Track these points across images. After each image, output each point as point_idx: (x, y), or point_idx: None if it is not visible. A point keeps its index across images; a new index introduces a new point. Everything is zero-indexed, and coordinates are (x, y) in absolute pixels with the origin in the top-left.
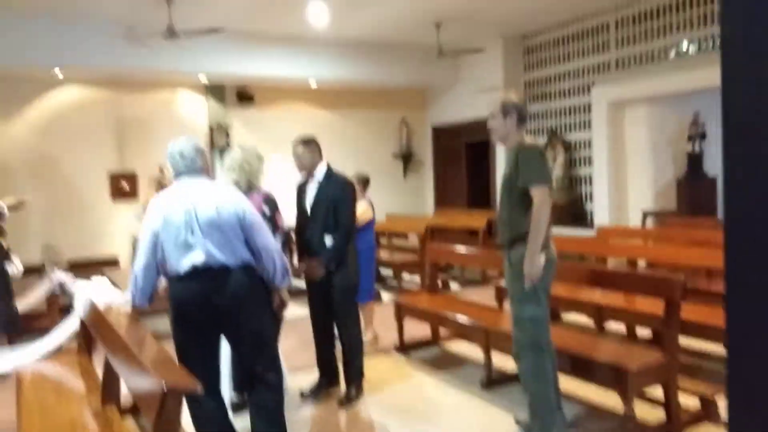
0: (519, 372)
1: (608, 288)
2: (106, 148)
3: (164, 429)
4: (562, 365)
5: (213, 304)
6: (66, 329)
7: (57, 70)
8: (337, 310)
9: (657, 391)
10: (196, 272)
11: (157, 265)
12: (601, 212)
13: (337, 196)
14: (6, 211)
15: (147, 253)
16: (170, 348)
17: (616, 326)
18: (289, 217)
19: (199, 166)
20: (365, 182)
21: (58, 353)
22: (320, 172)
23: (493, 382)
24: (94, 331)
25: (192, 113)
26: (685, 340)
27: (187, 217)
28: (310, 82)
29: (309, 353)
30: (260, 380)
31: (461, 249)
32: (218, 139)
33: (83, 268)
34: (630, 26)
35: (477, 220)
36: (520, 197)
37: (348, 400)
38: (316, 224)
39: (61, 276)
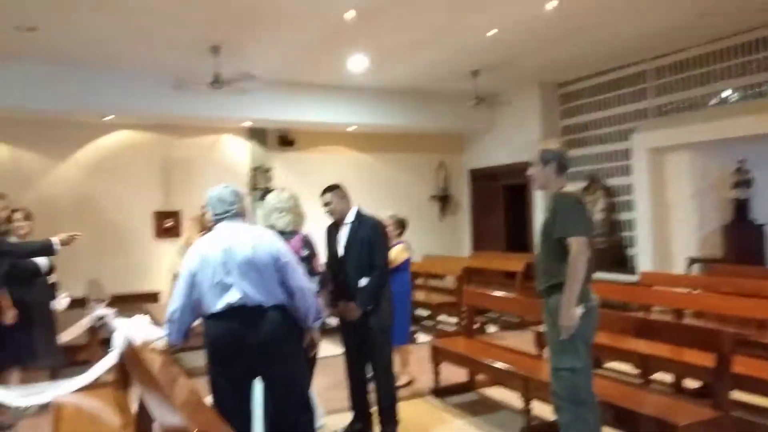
0: (559, 424)
1: (655, 339)
2: (152, 188)
3: None
4: (606, 417)
5: (247, 342)
6: (105, 364)
7: (108, 117)
8: (371, 352)
9: None
10: (231, 311)
11: (193, 304)
12: (644, 258)
13: (369, 237)
14: (59, 246)
15: (184, 292)
16: (204, 386)
17: (662, 376)
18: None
19: (237, 210)
20: (402, 224)
21: (96, 387)
22: (351, 215)
23: (532, 431)
24: (130, 367)
25: (235, 156)
26: (736, 394)
27: (224, 257)
28: (349, 127)
29: (344, 393)
30: (292, 423)
31: (498, 294)
32: (259, 181)
33: (124, 302)
34: (669, 74)
35: (514, 263)
36: (557, 245)
37: None
38: (352, 267)
39: (102, 310)
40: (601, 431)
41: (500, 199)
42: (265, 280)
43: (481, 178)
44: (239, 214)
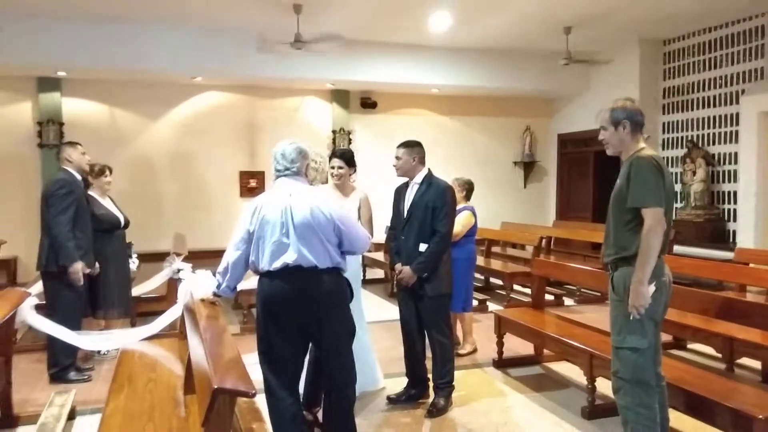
0: (618, 407)
1: (745, 322)
2: (239, 148)
3: (213, 426)
4: (676, 402)
5: (300, 302)
6: (170, 315)
7: (198, 78)
8: (427, 319)
9: None
10: (287, 271)
11: (246, 259)
12: (745, 233)
13: (435, 202)
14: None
15: (239, 247)
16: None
17: (749, 363)
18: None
19: (298, 168)
20: (469, 188)
21: (166, 336)
22: (420, 176)
23: (596, 411)
24: (186, 319)
25: (317, 118)
26: None
27: (283, 217)
28: (432, 88)
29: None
30: (334, 384)
31: (572, 265)
32: (340, 143)
33: (206, 257)
34: None
35: (600, 234)
36: (629, 215)
37: (436, 410)
38: (412, 230)
39: (180, 264)
40: (666, 416)
41: (590, 166)
42: (321, 242)
43: (571, 144)
44: (299, 173)
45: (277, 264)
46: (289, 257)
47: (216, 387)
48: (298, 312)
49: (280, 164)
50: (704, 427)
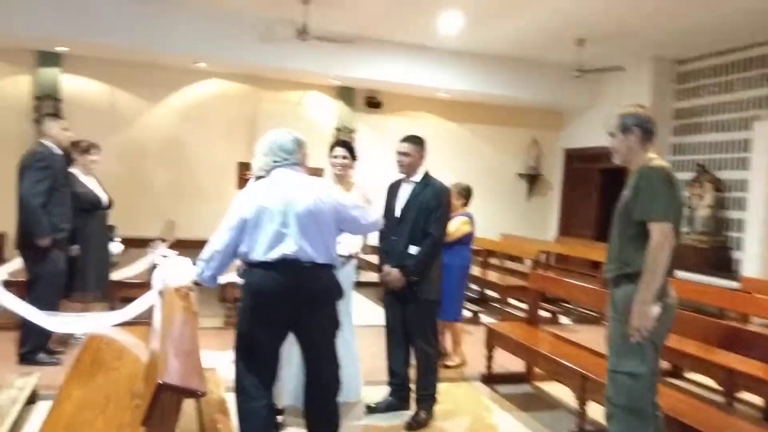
0: None
1: (747, 354)
2: (238, 138)
3: (154, 426)
4: None
5: (293, 295)
6: (144, 301)
7: (202, 63)
8: (413, 326)
9: None
10: (283, 263)
11: (236, 248)
12: (751, 264)
13: (431, 203)
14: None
15: (230, 234)
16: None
17: (749, 398)
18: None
19: (296, 159)
20: (468, 195)
21: (139, 323)
22: (419, 175)
23: None
24: (156, 307)
25: (321, 114)
26: None
27: (284, 207)
28: (439, 92)
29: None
30: (320, 382)
31: (570, 281)
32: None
33: (193, 247)
34: None
35: (601, 253)
36: (635, 229)
37: (416, 424)
38: (404, 230)
39: (164, 251)
40: None
41: (595, 183)
42: (322, 236)
43: (577, 160)
44: (298, 164)
45: (274, 255)
46: (287, 248)
47: (161, 382)
48: (289, 305)
49: (278, 155)
50: None
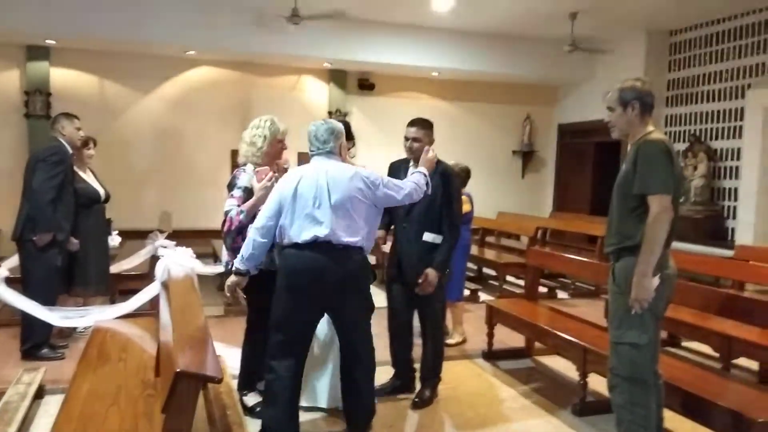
0: (612, 405)
1: (743, 319)
2: (231, 126)
3: (174, 413)
4: (671, 401)
5: (325, 278)
6: (147, 293)
7: (192, 51)
8: (424, 307)
9: None
10: (316, 244)
11: (274, 232)
12: (744, 231)
13: (446, 188)
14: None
15: (270, 216)
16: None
17: (746, 363)
18: None
19: (330, 148)
20: (466, 175)
21: (142, 315)
22: None
23: (587, 408)
24: (161, 298)
25: (314, 98)
26: None
27: (318, 191)
28: (431, 72)
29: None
30: (355, 357)
31: (568, 256)
32: None
33: (190, 237)
34: None
35: (597, 227)
36: (635, 202)
37: (422, 402)
38: (414, 217)
39: (163, 242)
40: (661, 416)
41: (590, 157)
42: (354, 219)
43: (571, 134)
44: (333, 153)
45: (307, 236)
46: (320, 231)
47: (178, 370)
48: (322, 286)
49: (312, 144)
50: (700, 429)
